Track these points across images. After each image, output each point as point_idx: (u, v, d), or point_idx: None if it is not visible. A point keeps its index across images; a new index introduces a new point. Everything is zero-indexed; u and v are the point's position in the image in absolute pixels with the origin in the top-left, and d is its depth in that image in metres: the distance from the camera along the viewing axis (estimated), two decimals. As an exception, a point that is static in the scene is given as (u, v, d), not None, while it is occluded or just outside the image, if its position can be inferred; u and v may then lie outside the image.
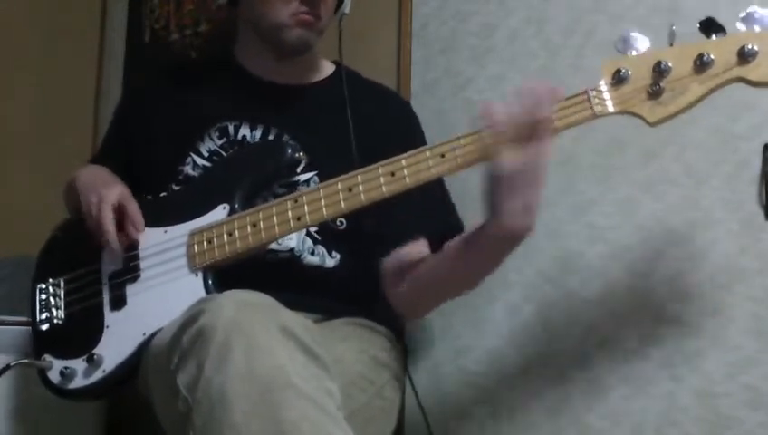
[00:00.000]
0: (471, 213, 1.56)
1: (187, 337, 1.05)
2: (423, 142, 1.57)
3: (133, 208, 1.40)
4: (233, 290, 1.10)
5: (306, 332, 1.06)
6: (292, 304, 1.14)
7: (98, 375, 1.33)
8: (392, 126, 1.55)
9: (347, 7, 1.54)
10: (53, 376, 1.37)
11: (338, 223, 1.46)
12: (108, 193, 1.39)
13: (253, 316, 1.03)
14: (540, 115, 1.13)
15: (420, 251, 1.42)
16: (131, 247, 1.39)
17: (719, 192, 1.50)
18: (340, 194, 1.26)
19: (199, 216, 1.35)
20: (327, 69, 1.63)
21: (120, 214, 1.39)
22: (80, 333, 1.38)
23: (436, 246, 1.41)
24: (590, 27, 1.67)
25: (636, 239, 1.57)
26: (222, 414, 0.97)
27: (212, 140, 1.52)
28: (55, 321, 1.43)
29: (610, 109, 1.19)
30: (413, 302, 1.46)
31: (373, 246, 1.52)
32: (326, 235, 1.46)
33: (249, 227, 1.29)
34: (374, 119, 1.53)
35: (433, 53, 1.89)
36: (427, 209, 1.45)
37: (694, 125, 1.49)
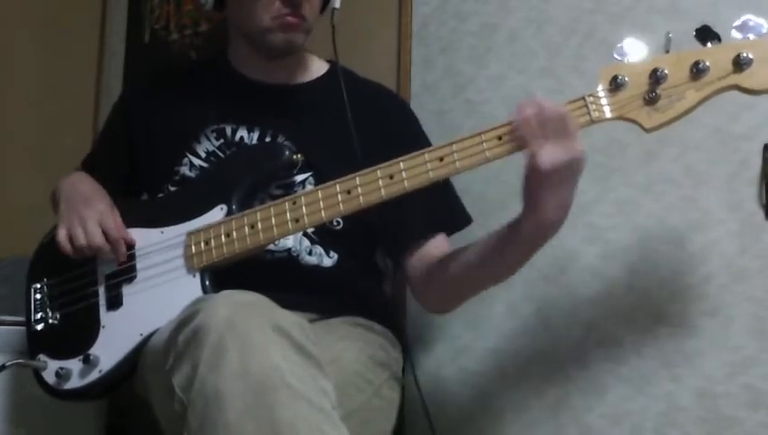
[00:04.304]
0: (471, 213, 1.57)
1: (182, 337, 1.05)
2: (423, 138, 1.57)
3: (112, 229, 1.39)
4: (228, 290, 1.11)
5: (301, 331, 1.06)
6: (289, 304, 1.14)
7: (94, 375, 1.33)
8: (389, 124, 1.55)
9: (336, 2, 1.52)
10: (49, 377, 1.37)
11: (334, 223, 1.46)
12: (88, 212, 1.40)
13: (247, 316, 1.03)
14: (559, 112, 1.17)
15: (443, 249, 1.47)
16: (127, 248, 1.39)
17: (719, 192, 1.50)
18: (339, 196, 1.26)
19: (196, 216, 1.35)
20: (321, 67, 1.62)
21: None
22: (75, 334, 1.38)
23: (449, 233, 1.51)
24: (590, 27, 1.67)
25: (636, 239, 1.57)
26: (217, 414, 0.97)
27: (209, 141, 1.52)
28: (50, 321, 1.43)
29: (608, 115, 1.20)
30: (446, 299, 1.49)
31: (371, 245, 1.52)
32: (323, 235, 1.46)
33: (247, 228, 1.29)
34: (370, 117, 1.53)
35: (433, 53, 1.89)
36: (434, 205, 1.46)
37: (694, 125, 1.48)
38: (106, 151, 1.66)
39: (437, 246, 1.49)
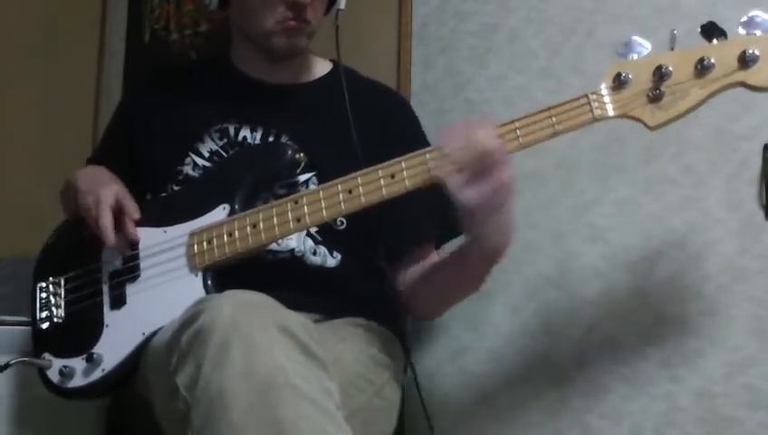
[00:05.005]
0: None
1: (186, 337, 1.05)
2: (423, 139, 1.57)
3: (130, 206, 1.40)
4: (232, 290, 1.10)
5: (305, 331, 1.06)
6: (292, 304, 1.14)
7: (97, 374, 1.32)
8: (391, 123, 1.55)
9: (341, 3, 1.53)
10: (53, 375, 1.36)
11: (338, 222, 1.46)
12: (105, 192, 1.40)
13: (251, 316, 1.03)
14: (483, 148, 1.17)
15: (432, 259, 1.51)
16: (131, 247, 1.39)
17: (719, 192, 1.50)
18: (340, 196, 1.26)
19: (199, 216, 1.35)
20: (323, 67, 1.63)
21: (119, 212, 1.39)
22: (79, 332, 1.38)
23: (437, 245, 1.53)
24: (590, 27, 1.67)
25: (636, 239, 1.57)
26: (221, 413, 0.97)
27: (213, 140, 1.52)
28: (55, 319, 1.43)
29: (610, 112, 1.20)
30: (431, 307, 1.54)
31: (374, 246, 1.52)
32: (327, 235, 1.46)
33: (249, 227, 1.29)
34: (372, 116, 1.53)
35: (433, 53, 1.89)
36: (428, 209, 1.46)
37: (694, 125, 1.49)
38: (106, 158, 1.65)
39: (425, 256, 1.52)
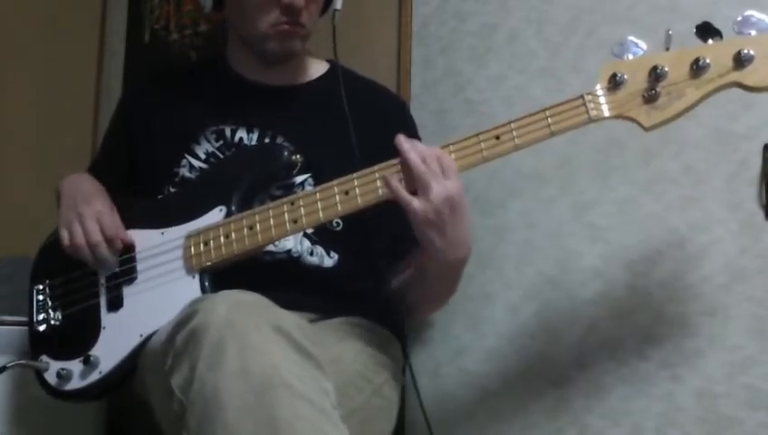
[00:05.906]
0: (471, 213, 1.57)
1: (181, 338, 1.05)
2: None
3: (110, 227, 1.40)
4: (227, 290, 1.11)
5: (299, 331, 1.06)
6: (289, 304, 1.14)
7: (94, 377, 1.33)
8: (388, 124, 1.54)
9: (338, 3, 1.53)
10: (50, 377, 1.37)
11: (334, 224, 1.47)
12: (87, 210, 1.41)
13: (246, 316, 1.03)
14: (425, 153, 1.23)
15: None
16: (128, 249, 1.39)
17: (719, 192, 1.50)
18: (337, 197, 1.26)
19: (196, 218, 1.35)
20: (320, 67, 1.62)
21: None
22: (76, 335, 1.38)
23: None
24: (590, 27, 1.67)
25: (636, 239, 1.57)
26: (216, 413, 0.97)
27: (208, 142, 1.52)
28: (52, 322, 1.43)
29: (606, 113, 1.20)
30: (415, 309, 1.56)
31: (371, 246, 1.52)
32: (324, 235, 1.46)
33: (246, 229, 1.29)
34: (370, 117, 1.52)
35: (433, 53, 1.88)
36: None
37: (693, 125, 1.48)
38: (109, 160, 1.66)
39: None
